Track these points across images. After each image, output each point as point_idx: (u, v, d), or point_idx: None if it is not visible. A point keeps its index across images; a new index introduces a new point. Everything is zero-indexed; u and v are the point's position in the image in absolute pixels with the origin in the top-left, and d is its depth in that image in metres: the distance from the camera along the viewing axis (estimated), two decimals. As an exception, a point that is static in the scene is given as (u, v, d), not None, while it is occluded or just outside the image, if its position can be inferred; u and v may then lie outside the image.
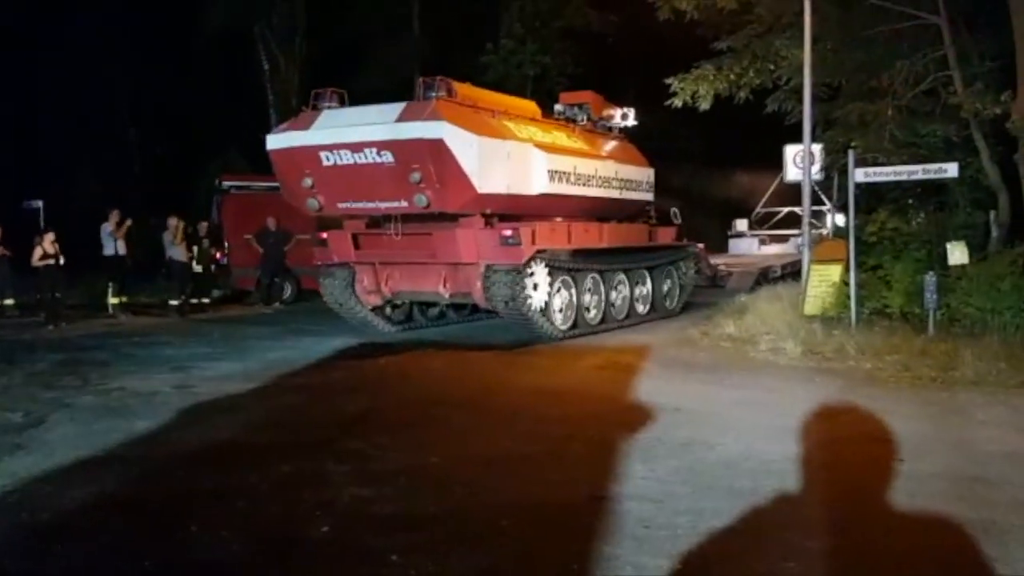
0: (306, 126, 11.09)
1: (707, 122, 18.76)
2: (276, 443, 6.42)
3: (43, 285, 14.32)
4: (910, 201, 14.61)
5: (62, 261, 14.25)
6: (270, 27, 23.44)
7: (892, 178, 11.41)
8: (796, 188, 16.56)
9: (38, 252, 14.10)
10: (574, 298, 11.98)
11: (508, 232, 10.77)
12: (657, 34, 17.53)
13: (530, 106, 12.81)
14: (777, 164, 21.55)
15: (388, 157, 10.31)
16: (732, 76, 14.64)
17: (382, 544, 4.31)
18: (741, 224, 23.96)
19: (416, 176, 10.15)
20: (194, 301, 15.83)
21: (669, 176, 27.88)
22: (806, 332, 10.30)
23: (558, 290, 11.63)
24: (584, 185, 12.38)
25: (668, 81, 15.05)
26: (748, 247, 22.96)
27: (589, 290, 12.37)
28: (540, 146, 11.56)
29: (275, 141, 11.33)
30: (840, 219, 17.46)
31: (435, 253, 11.20)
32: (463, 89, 11.10)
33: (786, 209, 22.64)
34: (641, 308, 13.71)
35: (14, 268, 15.41)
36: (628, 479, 5.36)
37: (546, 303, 11.30)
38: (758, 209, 23.83)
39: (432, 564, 4.07)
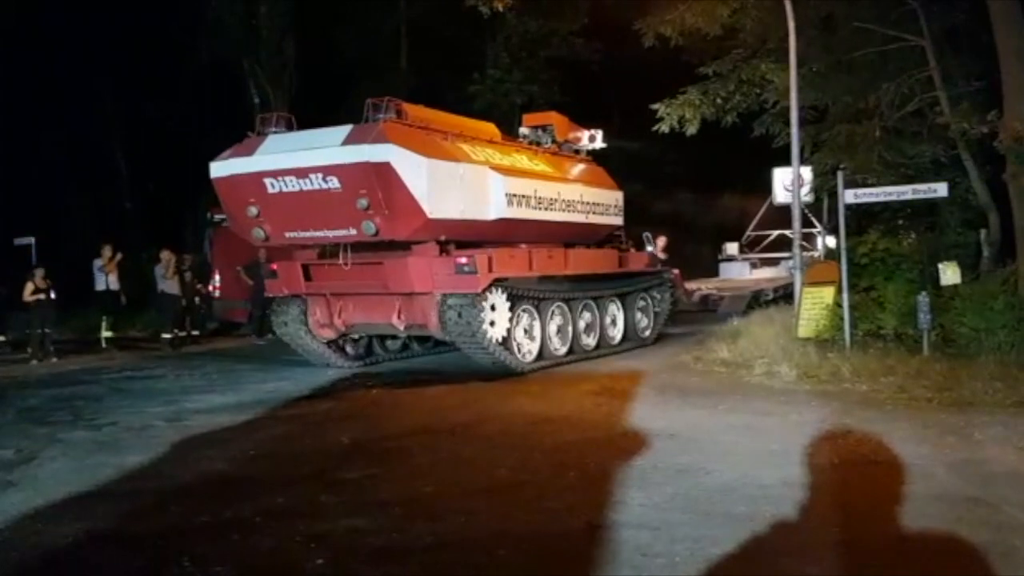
0: (250, 152, 10.47)
1: (694, 147, 18.89)
2: (269, 475, 6.37)
3: (34, 321, 14.25)
4: (900, 222, 14.70)
5: (53, 296, 14.20)
6: (259, 62, 23.54)
7: (882, 199, 11.48)
8: (786, 211, 16.69)
9: (29, 288, 14.05)
10: (538, 329, 11.47)
11: (463, 259, 10.23)
12: (643, 61, 17.72)
13: (488, 128, 12.34)
14: (766, 187, 21.87)
15: (334, 183, 9.75)
16: (718, 100, 14.78)
17: (377, 576, 4.27)
18: (731, 248, 24.05)
19: (363, 202, 9.60)
20: (183, 334, 15.77)
21: (657, 202, 28.14)
22: (800, 355, 10.29)
23: (520, 320, 11.13)
24: (546, 209, 11.82)
25: (655, 106, 15.15)
26: (739, 271, 23.03)
27: (554, 320, 11.82)
28: (497, 169, 11.01)
29: (218, 168, 10.64)
30: (831, 241, 17.53)
31: (387, 283, 10.57)
32: (415, 111, 10.69)
33: (776, 232, 22.75)
34: (613, 337, 13.21)
35: (6, 305, 15.37)
36: (625, 507, 5.32)
37: (507, 334, 10.75)
38: (748, 232, 23.93)
39: (428, 596, 4.02)
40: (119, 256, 15.38)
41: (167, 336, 15.39)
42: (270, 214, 10.43)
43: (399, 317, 10.97)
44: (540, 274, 11.55)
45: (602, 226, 13.48)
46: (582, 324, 12.37)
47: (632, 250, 14.62)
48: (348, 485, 6.06)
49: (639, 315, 14.01)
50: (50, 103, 23.46)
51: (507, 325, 10.74)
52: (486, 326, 10.29)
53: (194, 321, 16.28)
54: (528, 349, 11.30)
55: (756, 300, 17.65)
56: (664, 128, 15.39)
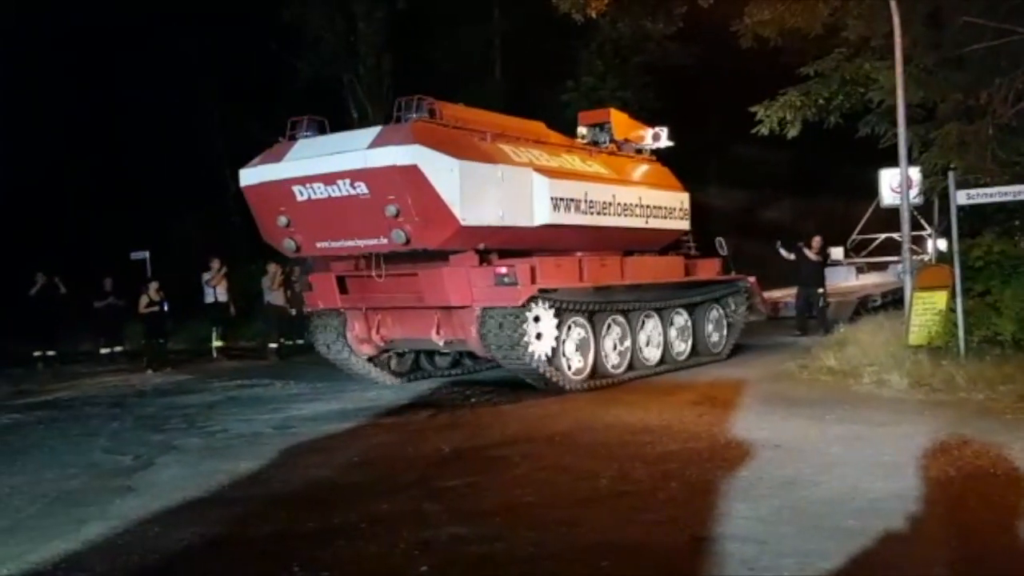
0: (278, 158, 9.96)
1: (795, 150, 18.43)
2: (373, 482, 6.50)
3: (149, 331, 14.93)
4: (1017, 223, 14.01)
5: (167, 308, 14.85)
6: (358, 77, 24.11)
7: (997, 199, 10.96)
8: (893, 213, 16.11)
9: (144, 300, 14.73)
10: (591, 343, 10.64)
11: (503, 270, 9.58)
12: (740, 63, 17.38)
13: (535, 127, 11.52)
14: (871, 189, 21.18)
15: (362, 188, 9.17)
16: (820, 101, 14.36)
17: (481, 585, 4.30)
18: (836, 252, 23.35)
19: (392, 209, 9.02)
20: (289, 344, 16.24)
21: (757, 207, 27.57)
22: (911, 363, 9.91)
23: (570, 335, 10.32)
24: (599, 214, 11.00)
25: (753, 109, 14.84)
26: (845, 276, 22.36)
27: (610, 334, 10.96)
28: (542, 170, 10.21)
29: (247, 176, 10.16)
30: (942, 244, 16.86)
31: (423, 296, 9.93)
32: (451, 110, 10.06)
33: (883, 236, 22.01)
34: (680, 352, 12.28)
35: (123, 316, 16.17)
36: (730, 519, 5.22)
37: (553, 350, 9.99)
38: (854, 236, 23.23)
39: (532, 606, 4.03)
40: (225, 269, 15.96)
41: (273, 346, 15.87)
42: (300, 223, 9.93)
43: (438, 332, 10.36)
44: (593, 285, 10.75)
45: (665, 231, 12.60)
46: (643, 338, 11.55)
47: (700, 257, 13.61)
48: (450, 493, 6.12)
49: (710, 327, 12.94)
50: (163, 123, 24.53)
51: (553, 340, 9.98)
52: (529, 341, 9.59)
53: (300, 331, 16.73)
54: (579, 366, 10.48)
55: (863, 306, 17.10)
56: (764, 131, 15.04)
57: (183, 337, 17.80)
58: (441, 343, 10.46)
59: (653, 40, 24.02)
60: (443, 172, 8.99)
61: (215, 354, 15.78)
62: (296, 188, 9.65)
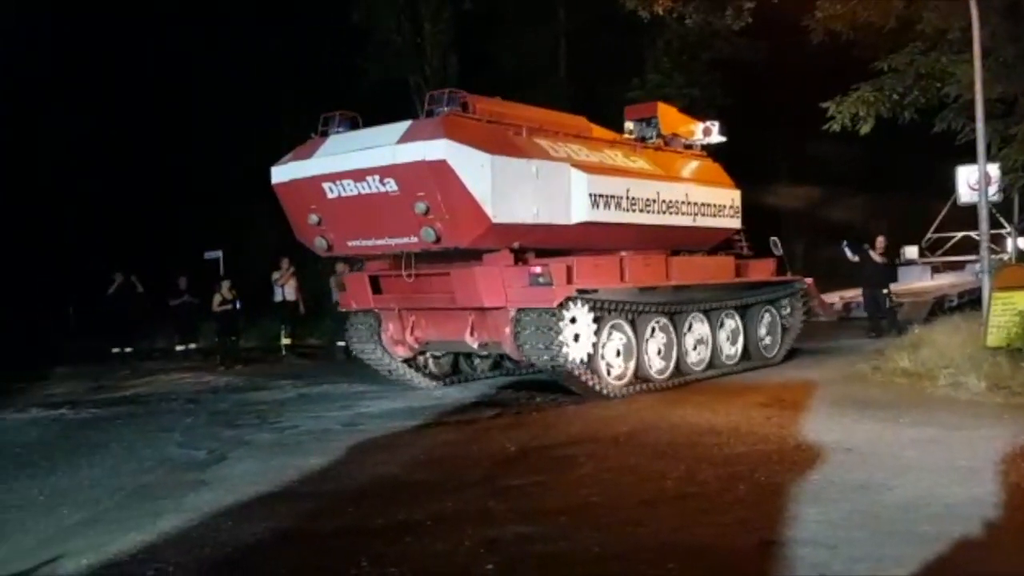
0: (309, 155, 9.79)
1: (869, 146, 18.00)
2: (439, 479, 6.55)
3: (222, 329, 15.29)
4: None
5: (239, 306, 15.19)
6: (424, 78, 24.30)
7: (1081, 196, 10.57)
8: (971, 211, 15.64)
9: (217, 299, 15.09)
10: (633, 347, 10.22)
11: (538, 269, 9.27)
12: (811, 58, 17.04)
13: (576, 121, 11.17)
14: (948, 186, 20.58)
15: (392, 185, 8.95)
16: (894, 96, 13.98)
17: (546, 584, 4.30)
18: (911, 251, 22.74)
19: (422, 206, 8.77)
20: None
21: (828, 204, 27.02)
22: (990, 365, 9.58)
23: (610, 338, 9.97)
24: (642, 211, 10.57)
25: (825, 105, 14.53)
26: (920, 276, 21.77)
27: (654, 337, 10.51)
28: (581, 166, 9.84)
29: (278, 174, 10.01)
30: (1023, 242, 16.31)
31: (455, 297, 9.65)
32: (484, 104, 9.76)
33: (960, 234, 21.37)
34: (730, 356, 11.81)
35: (197, 315, 16.60)
36: (799, 523, 5.12)
37: (591, 354, 9.58)
38: (929, 235, 22.59)
39: (597, 606, 4.02)
40: (293, 268, 16.25)
41: (342, 344, 16.09)
42: (331, 221, 9.74)
43: (472, 334, 10.04)
44: (635, 285, 10.32)
45: (714, 230, 12.10)
46: (690, 341, 11.09)
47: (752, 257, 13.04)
48: (515, 492, 6.13)
49: (763, 330, 12.44)
50: (237, 123, 25.07)
51: (591, 343, 9.57)
52: (564, 343, 9.21)
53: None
54: (620, 370, 10.08)
55: (939, 307, 16.62)
56: (835, 127, 14.70)
57: (255, 335, 18.16)
58: (475, 345, 10.19)
59: (721, 36, 23.74)
60: (474, 168, 8.70)
61: (284, 352, 16.07)
62: (326, 185, 9.47)
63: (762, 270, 12.83)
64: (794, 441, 7.30)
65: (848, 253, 15.44)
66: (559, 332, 9.15)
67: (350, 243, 9.85)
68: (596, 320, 9.65)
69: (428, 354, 11.19)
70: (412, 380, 11.06)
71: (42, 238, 21.97)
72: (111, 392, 12.25)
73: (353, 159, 9.22)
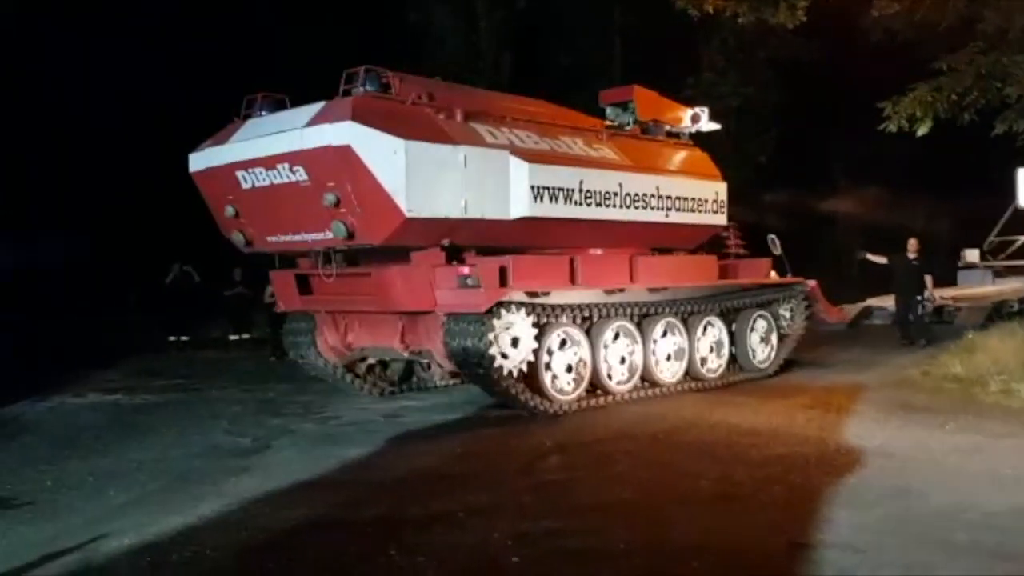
0: (225, 140, 8.90)
1: (928, 147, 17.62)
2: (475, 472, 6.63)
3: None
4: None
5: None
6: (479, 74, 24.42)
7: None
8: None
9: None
10: (587, 357, 9.24)
11: (466, 270, 8.37)
12: (869, 58, 16.76)
13: (537, 106, 10.17)
14: (1010, 189, 20.05)
15: (302, 174, 8.06)
16: (953, 97, 13.67)
17: (569, 577, 4.35)
18: (972, 255, 22.18)
19: (331, 198, 7.87)
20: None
21: (886, 205, 26.48)
22: (1045, 373, 9.37)
23: (559, 347, 8.98)
24: (599, 206, 9.50)
25: (881, 105, 14.27)
26: (980, 280, 21.24)
27: (615, 347, 9.51)
28: (522, 154, 8.81)
29: (195, 161, 9.11)
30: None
31: (377, 299, 8.71)
32: (417, 85, 8.77)
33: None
34: (712, 368, 10.65)
35: (250, 306, 16.95)
36: (831, 526, 5.08)
37: (531, 364, 8.63)
38: (991, 238, 22.03)
39: (618, 601, 4.05)
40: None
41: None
42: (248, 214, 8.88)
43: (403, 340, 9.20)
44: (589, 288, 9.25)
45: (692, 227, 10.87)
46: (663, 349, 10.05)
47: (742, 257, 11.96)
48: (549, 487, 6.20)
49: (755, 339, 11.28)
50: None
51: (531, 353, 8.60)
52: (496, 355, 8.25)
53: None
54: (570, 383, 9.09)
55: (998, 312, 16.21)
56: (892, 128, 14.43)
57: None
58: (406, 353, 9.36)
59: (777, 34, 23.46)
60: (384, 155, 7.76)
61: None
62: (239, 174, 8.62)
63: (755, 271, 11.74)
64: (834, 444, 7.22)
65: (871, 258, 14.97)
66: (489, 341, 8.15)
67: (269, 238, 8.95)
68: (539, 327, 8.72)
69: (373, 360, 10.25)
70: (356, 388, 10.14)
71: (109, 229, 22.59)
72: (166, 379, 12.56)
73: (263, 145, 8.36)
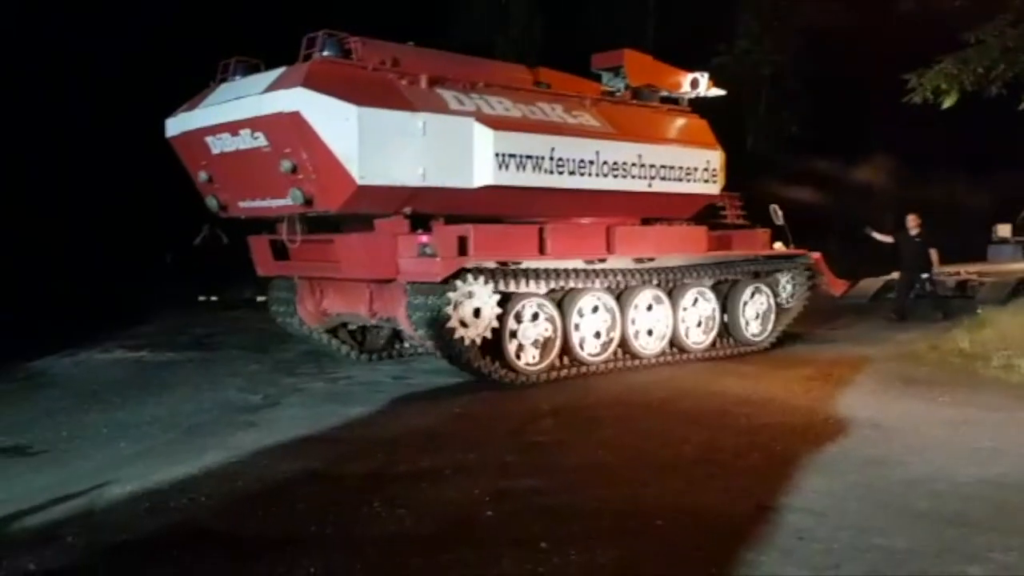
0: (196, 105, 8.96)
1: (959, 121, 17.39)
2: (467, 433, 6.87)
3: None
4: None
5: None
6: (509, 41, 24.45)
7: None
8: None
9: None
10: (557, 328, 9.13)
11: (424, 239, 8.35)
12: (903, 29, 16.53)
13: (514, 72, 10.02)
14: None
15: (262, 140, 8.09)
16: (980, 70, 13.48)
17: (538, 531, 4.57)
18: (1003, 230, 22.00)
19: (287, 164, 7.87)
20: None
21: (917, 180, 26.12)
22: (1049, 349, 9.38)
23: (524, 318, 8.89)
24: (572, 174, 9.24)
25: (906, 76, 14.11)
26: (1012, 255, 21.05)
27: (587, 318, 9.36)
28: (488, 121, 8.60)
29: (171, 127, 9.17)
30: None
31: (340, 266, 8.73)
32: (379, 50, 8.57)
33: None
34: (698, 340, 10.47)
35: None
36: (799, 492, 5.25)
37: (495, 333, 8.59)
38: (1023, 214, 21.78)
39: (576, 554, 4.27)
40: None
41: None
42: (220, 179, 8.95)
43: (370, 308, 9.29)
44: (563, 259, 9.08)
45: (680, 196, 10.54)
46: (644, 322, 9.88)
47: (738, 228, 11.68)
48: (536, 448, 6.42)
49: (750, 311, 11.06)
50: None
51: (494, 323, 8.56)
52: (454, 325, 8.22)
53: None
54: (534, 356, 9.01)
55: (1022, 288, 16.07)
56: (916, 100, 14.27)
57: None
58: (374, 320, 9.50)
59: (811, 2, 23.21)
60: (336, 121, 7.70)
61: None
62: (208, 139, 8.67)
63: (751, 242, 11.37)
64: (824, 414, 7.36)
65: (876, 236, 14.78)
66: (447, 312, 8.16)
67: (241, 204, 9.00)
68: (503, 297, 8.65)
69: (353, 326, 10.29)
70: (341, 351, 10.30)
71: (149, 187, 23.05)
72: (191, 338, 12.96)
73: (228, 110, 8.39)
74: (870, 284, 17.31)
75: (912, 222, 14.51)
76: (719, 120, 11.68)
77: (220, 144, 8.58)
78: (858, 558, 4.20)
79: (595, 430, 6.97)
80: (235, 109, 8.27)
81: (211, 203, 9.24)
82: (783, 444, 6.39)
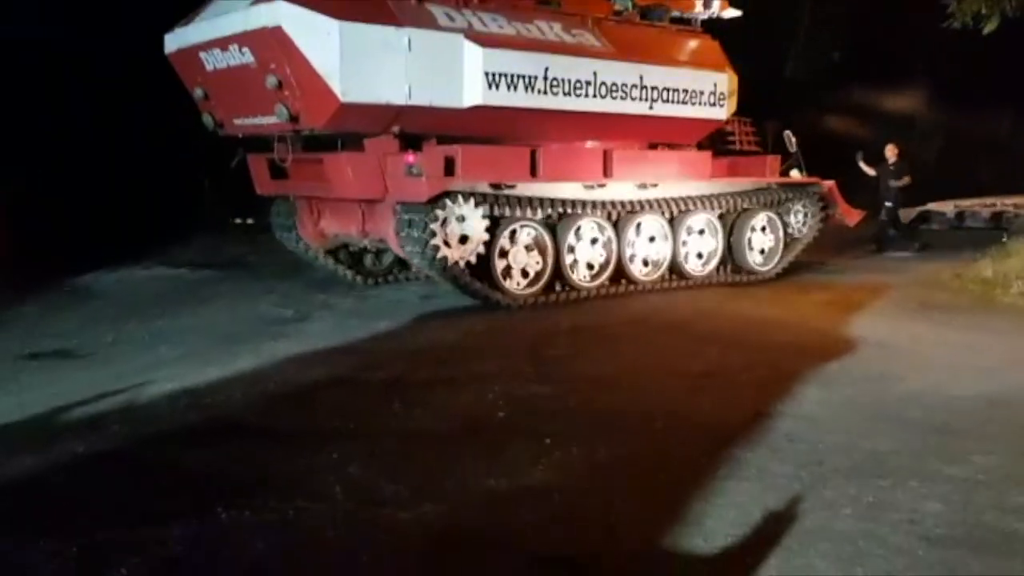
0: (191, 21, 8.80)
1: (1007, 49, 16.98)
2: (488, 346, 7.20)
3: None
4: None
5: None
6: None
7: None
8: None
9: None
10: (549, 251, 9.04)
11: (412, 158, 8.24)
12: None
13: None
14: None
15: (248, 56, 7.96)
16: (1022, -6, 13.18)
17: (544, 430, 4.87)
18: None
19: (273, 80, 7.77)
20: None
21: (968, 111, 25.54)
22: (1069, 277, 9.44)
23: (517, 240, 8.84)
24: (568, 95, 8.99)
25: (945, 1, 13.84)
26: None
27: (580, 241, 9.29)
28: (478, 39, 8.37)
29: (168, 43, 8.99)
30: None
31: (330, 186, 8.66)
32: None
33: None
34: (698, 267, 10.40)
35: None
36: (797, 402, 5.50)
37: (482, 256, 8.54)
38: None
39: (577, 448, 4.59)
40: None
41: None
42: (215, 96, 8.85)
43: (362, 228, 9.24)
44: (557, 182, 8.98)
45: (684, 120, 10.20)
46: (642, 248, 9.81)
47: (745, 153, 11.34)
48: (552, 360, 6.72)
49: (754, 239, 10.84)
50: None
51: (482, 245, 8.50)
52: (439, 245, 8.17)
53: None
54: (526, 277, 8.99)
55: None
56: (955, 25, 14.01)
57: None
58: (366, 241, 9.50)
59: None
60: (317, 36, 7.55)
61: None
62: (202, 55, 8.54)
63: (759, 169, 11.01)
64: (835, 335, 7.56)
65: (864, 167, 14.36)
66: (432, 231, 8.11)
67: (236, 121, 8.88)
68: (494, 219, 8.58)
69: (355, 247, 10.16)
70: (341, 274, 10.35)
71: (185, 116, 23.43)
72: (227, 257, 13.39)
73: (218, 25, 8.21)
74: (904, 214, 17.29)
75: (890, 152, 14.33)
76: (754, 45, 11.47)
77: (213, 60, 8.44)
78: (841, 457, 4.47)
79: (611, 346, 7.25)
80: (225, 24, 8.11)
81: (207, 120, 9.15)
82: (789, 361, 6.62)
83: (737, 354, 6.87)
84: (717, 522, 3.70)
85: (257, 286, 10.48)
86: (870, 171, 14.43)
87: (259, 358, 6.66)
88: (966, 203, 17.80)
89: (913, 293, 9.88)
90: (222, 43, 8.17)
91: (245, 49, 7.96)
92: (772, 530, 3.62)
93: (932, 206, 17.76)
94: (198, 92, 8.96)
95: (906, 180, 14.10)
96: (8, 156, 17.03)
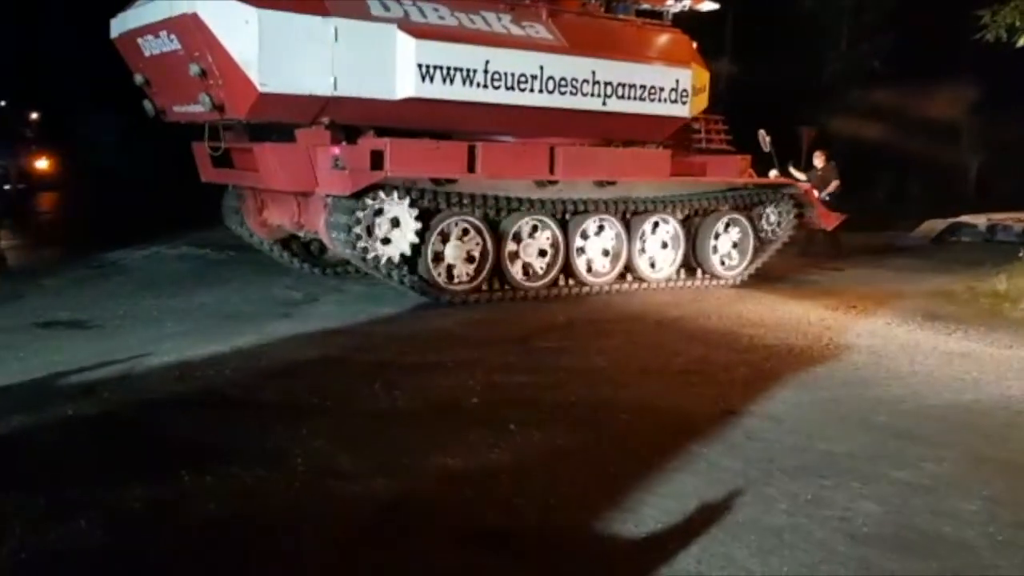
0: (132, 4, 8.59)
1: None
2: (481, 335, 7.37)
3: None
4: None
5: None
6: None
7: None
8: None
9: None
10: (488, 249, 8.82)
11: (336, 151, 8.07)
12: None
13: None
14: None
15: (175, 43, 7.79)
16: (1055, 7, 12.99)
17: (512, 416, 5.04)
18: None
19: (196, 68, 7.58)
20: None
21: (991, 122, 25.06)
22: (1080, 294, 9.35)
23: (452, 237, 8.61)
24: (509, 89, 8.67)
25: (979, 13, 13.69)
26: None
27: (521, 240, 9.04)
28: (412, 30, 8.08)
29: (113, 27, 8.81)
30: None
31: (261, 176, 8.46)
32: None
33: None
34: (657, 269, 10.07)
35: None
36: (770, 402, 5.61)
37: (416, 251, 8.35)
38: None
39: (538, 434, 4.77)
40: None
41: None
42: (153, 82, 8.66)
43: (297, 220, 9.08)
44: (496, 179, 8.73)
45: (642, 117, 9.77)
46: (596, 248, 9.57)
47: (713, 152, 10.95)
48: (538, 352, 6.88)
49: (718, 242, 10.47)
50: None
51: (414, 240, 8.28)
52: (364, 237, 8.03)
53: None
54: (463, 275, 8.78)
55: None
56: (989, 37, 13.86)
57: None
58: (301, 233, 9.41)
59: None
60: (235, 25, 7.34)
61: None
62: (139, 41, 8.33)
63: (727, 169, 10.65)
64: (828, 340, 7.61)
65: (792, 171, 13.22)
66: (357, 226, 7.97)
67: (174, 108, 8.65)
68: (425, 215, 8.38)
69: (306, 238, 9.94)
70: (292, 265, 10.18)
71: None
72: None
73: (151, 11, 8.04)
74: (934, 225, 17.15)
75: (817, 159, 14.00)
76: (798, 53, 11.18)
77: (148, 46, 8.24)
78: (794, 456, 4.58)
79: (599, 340, 7.37)
80: (155, 10, 7.93)
81: (148, 107, 8.96)
82: (774, 362, 6.72)
83: (722, 354, 6.97)
84: (653, 510, 3.84)
85: (275, 269, 10.71)
86: (800, 176, 13.86)
87: (259, 336, 6.92)
88: (999, 216, 17.57)
89: (920, 303, 9.83)
90: (154, 29, 8.03)
91: (173, 36, 7.82)
92: (704, 521, 3.75)
93: (964, 218, 17.57)
94: (138, 78, 8.76)
95: (834, 186, 13.73)
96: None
